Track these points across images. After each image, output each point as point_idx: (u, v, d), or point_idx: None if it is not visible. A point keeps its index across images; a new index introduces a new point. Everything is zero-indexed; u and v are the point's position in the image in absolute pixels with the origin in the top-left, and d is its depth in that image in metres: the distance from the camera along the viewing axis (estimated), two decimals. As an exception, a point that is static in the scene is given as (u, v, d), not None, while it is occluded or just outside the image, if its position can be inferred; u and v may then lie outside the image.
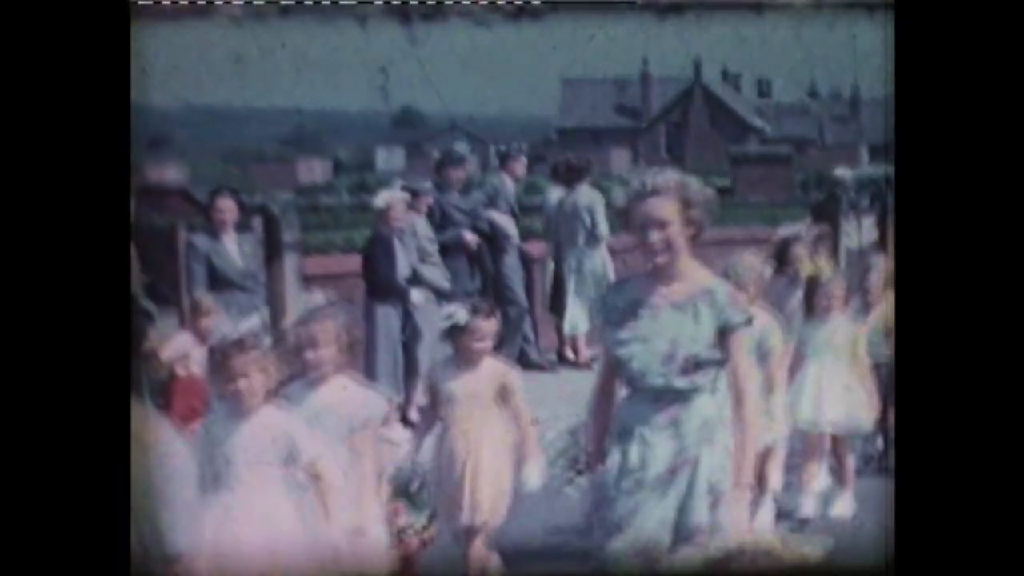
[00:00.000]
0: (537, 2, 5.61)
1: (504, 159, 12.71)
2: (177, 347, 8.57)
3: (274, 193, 12.54)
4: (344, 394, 5.50)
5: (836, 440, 8.03)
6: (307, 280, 11.36)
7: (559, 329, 13.01)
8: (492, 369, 6.29)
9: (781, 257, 8.96)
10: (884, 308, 8.69)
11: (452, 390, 6.23)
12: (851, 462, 8.09)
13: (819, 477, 8.10)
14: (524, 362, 11.74)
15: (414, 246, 10.53)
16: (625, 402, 4.99)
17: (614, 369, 5.02)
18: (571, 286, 12.73)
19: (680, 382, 4.80)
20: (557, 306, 12.88)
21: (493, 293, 11.48)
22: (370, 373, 9.63)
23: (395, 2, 5.50)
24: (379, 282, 10.29)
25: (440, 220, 11.20)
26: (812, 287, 8.07)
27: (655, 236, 4.75)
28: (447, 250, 11.06)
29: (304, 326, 5.47)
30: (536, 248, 13.25)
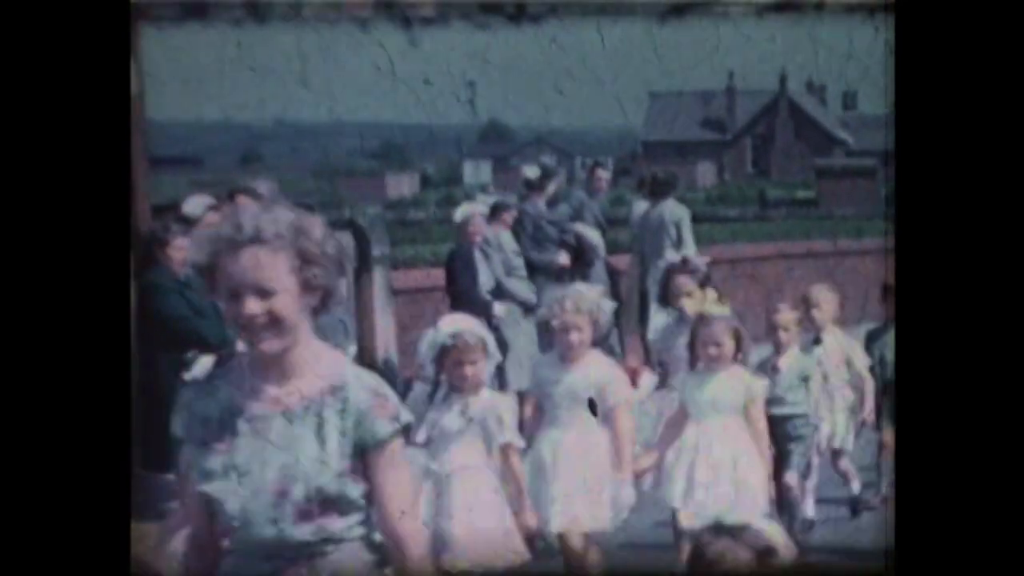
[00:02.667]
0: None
1: (591, 172, 12.85)
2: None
3: (363, 207, 12.67)
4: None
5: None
6: (395, 293, 11.53)
7: (644, 341, 13.06)
8: None
9: (663, 291, 7.33)
10: (796, 351, 7.35)
11: None
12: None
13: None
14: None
15: (499, 259, 10.59)
16: (226, 559, 3.35)
17: (205, 511, 3.33)
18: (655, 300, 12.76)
19: (300, 532, 3.22)
20: (642, 319, 12.95)
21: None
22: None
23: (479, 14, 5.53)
24: (461, 295, 10.38)
25: (533, 233, 11.27)
26: (696, 329, 6.43)
27: (254, 307, 3.15)
28: (539, 268, 11.14)
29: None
30: (621, 262, 13.34)
